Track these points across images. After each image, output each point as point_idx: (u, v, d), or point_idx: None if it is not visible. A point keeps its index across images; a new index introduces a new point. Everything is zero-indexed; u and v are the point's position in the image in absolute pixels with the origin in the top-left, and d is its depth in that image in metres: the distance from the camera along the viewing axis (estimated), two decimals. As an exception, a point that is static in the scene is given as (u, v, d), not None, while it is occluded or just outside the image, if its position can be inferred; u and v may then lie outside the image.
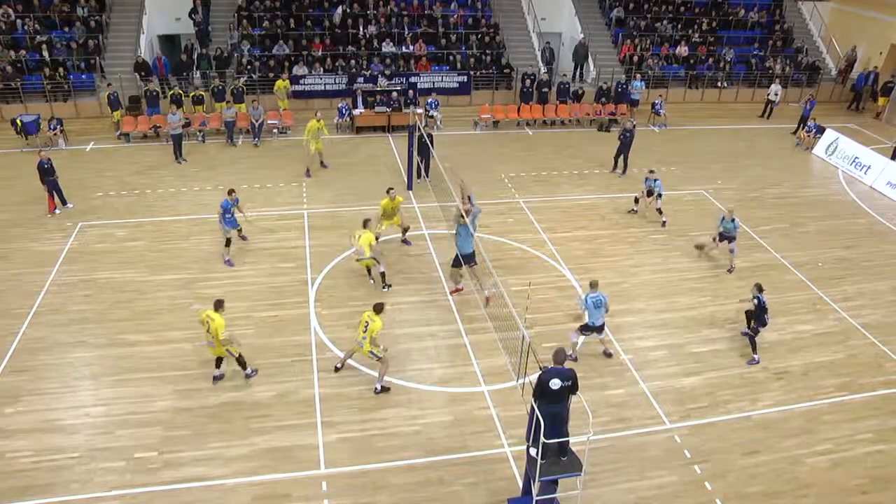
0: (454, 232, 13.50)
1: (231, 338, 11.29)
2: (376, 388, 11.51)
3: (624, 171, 20.74)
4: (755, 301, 12.49)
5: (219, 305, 11.17)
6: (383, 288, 13.46)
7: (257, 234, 16.11)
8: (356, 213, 17.39)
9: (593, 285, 12.15)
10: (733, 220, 15.08)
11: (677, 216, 17.98)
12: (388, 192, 15.41)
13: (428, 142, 17.46)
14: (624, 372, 12.23)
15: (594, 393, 11.62)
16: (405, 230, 15.66)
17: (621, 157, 20.57)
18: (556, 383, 9.00)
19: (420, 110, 23.44)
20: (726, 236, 15.22)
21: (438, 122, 24.05)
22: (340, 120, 23.05)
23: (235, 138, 22.13)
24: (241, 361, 11.42)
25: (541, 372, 9.19)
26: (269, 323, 13.06)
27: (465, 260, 13.40)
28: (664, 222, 17.11)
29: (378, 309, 11.22)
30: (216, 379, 11.34)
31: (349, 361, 11.92)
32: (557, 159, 21.82)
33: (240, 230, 15.74)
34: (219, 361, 11.41)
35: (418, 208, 17.70)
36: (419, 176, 18.88)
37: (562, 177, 20.00)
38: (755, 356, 12.46)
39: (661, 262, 15.74)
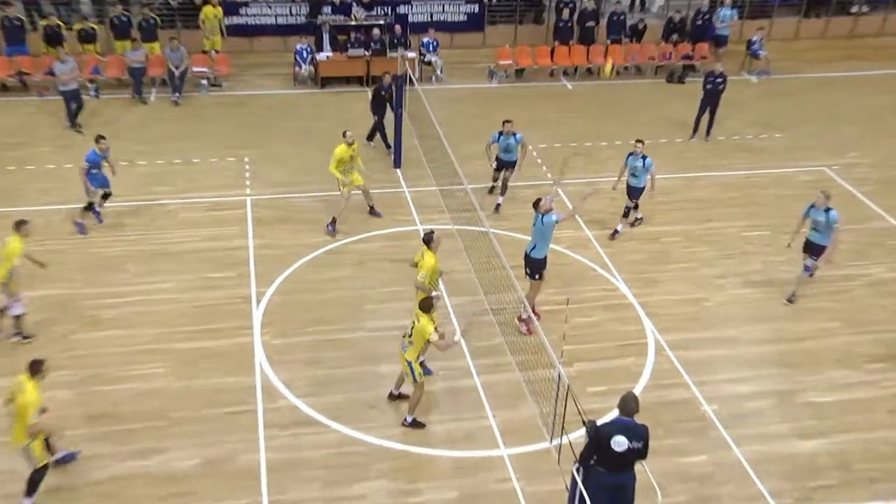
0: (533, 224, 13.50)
1: (44, 428, 10.09)
2: (405, 420, 11.74)
3: (708, 135, 20.74)
4: None
5: (35, 369, 9.99)
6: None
7: (176, 231, 16.09)
8: (322, 201, 17.37)
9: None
10: (828, 212, 14.00)
11: (785, 202, 17.92)
12: (343, 135, 15.71)
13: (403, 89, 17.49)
14: (707, 430, 12.09)
15: (664, 460, 11.45)
16: (367, 194, 16.39)
17: (705, 116, 20.56)
18: (621, 443, 8.93)
19: (412, 54, 23.46)
20: (815, 244, 14.23)
21: (439, 71, 24.04)
22: (299, 69, 23.10)
23: (145, 93, 22.17)
24: (37, 476, 10.20)
25: (596, 425, 9.09)
26: (193, 358, 12.99)
27: (534, 267, 13.50)
28: (637, 219, 16.65)
29: (426, 306, 11.17)
30: (61, 462, 10.85)
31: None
32: (607, 123, 21.80)
33: (107, 195, 16.05)
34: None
35: (410, 195, 17.64)
36: (371, 139, 19.48)
37: (613, 149, 19.96)
38: None
39: (761, 271, 15.65)
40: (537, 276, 13.61)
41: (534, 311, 13.22)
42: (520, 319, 13.78)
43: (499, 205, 17.12)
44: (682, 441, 11.85)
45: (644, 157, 15.89)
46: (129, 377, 12.47)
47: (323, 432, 11.76)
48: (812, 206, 14.19)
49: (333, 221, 16.04)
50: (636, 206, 16.41)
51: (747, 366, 13.34)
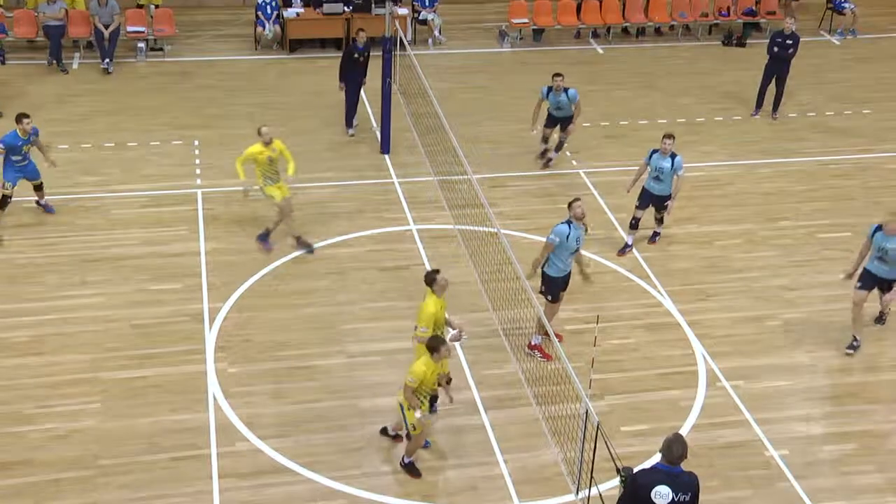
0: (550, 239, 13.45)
1: None
2: (402, 461, 11.91)
3: (775, 111, 20.93)
4: None
5: None
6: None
7: (108, 232, 16.28)
8: (292, 194, 17.52)
9: None
10: None
11: (874, 195, 18.16)
12: (258, 132, 15.62)
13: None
14: (774, 481, 12.17)
15: (718, 515, 11.66)
16: (288, 215, 15.92)
17: (772, 87, 20.79)
18: (664, 494, 9.04)
19: (404, 11, 23.66)
20: (879, 278, 13.98)
21: (437, 32, 24.23)
22: (262, 30, 23.28)
23: (66, 59, 22.34)
24: None
25: (633, 473, 9.22)
26: (130, 391, 13.09)
27: (554, 290, 13.62)
28: (655, 236, 16.58)
29: (431, 346, 11.23)
30: None
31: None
32: (647, 97, 22.01)
33: (38, 185, 16.10)
34: None
35: (401, 188, 17.86)
36: (350, 125, 19.68)
37: (655, 128, 20.09)
38: None
39: (842, 282, 15.63)
40: (549, 298, 13.72)
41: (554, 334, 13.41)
42: (529, 347, 13.92)
43: (550, 159, 18.57)
44: (742, 494, 11.93)
45: (674, 156, 15.76)
46: (49, 415, 12.57)
47: (292, 482, 11.83)
48: (879, 229, 13.81)
49: (268, 233, 15.96)
50: (661, 220, 16.42)
51: (824, 400, 13.44)
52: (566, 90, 17.67)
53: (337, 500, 11.61)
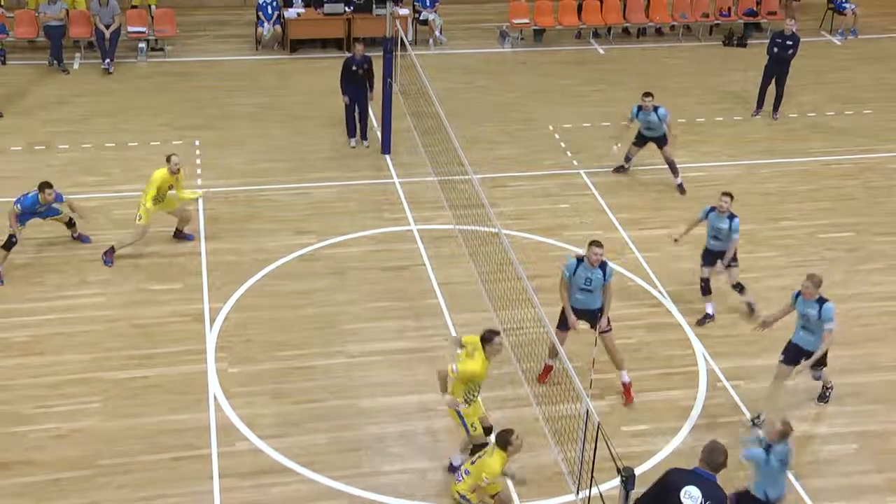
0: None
1: None
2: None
3: (776, 111, 20.92)
4: None
5: None
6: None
7: (108, 232, 16.28)
8: (292, 194, 17.60)
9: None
10: (822, 305, 12.29)
11: (875, 195, 18.17)
12: (168, 159, 15.38)
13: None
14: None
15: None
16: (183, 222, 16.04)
17: (772, 87, 20.80)
18: (693, 496, 9.00)
19: (405, 11, 23.66)
20: (805, 350, 12.55)
21: (437, 32, 24.25)
22: (262, 30, 23.30)
23: (67, 59, 22.38)
24: None
25: (634, 473, 9.17)
26: (130, 391, 13.11)
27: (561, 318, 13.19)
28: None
29: (503, 441, 10.57)
30: None
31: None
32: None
33: (68, 222, 15.77)
34: None
35: (402, 188, 17.86)
36: (364, 137, 19.34)
37: (658, 129, 20.14)
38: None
39: (844, 282, 15.86)
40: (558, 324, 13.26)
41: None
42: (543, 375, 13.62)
43: (680, 185, 18.12)
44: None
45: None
46: (49, 415, 12.59)
47: (293, 482, 11.84)
48: (798, 295, 12.49)
49: (112, 251, 15.52)
50: (741, 288, 14.88)
51: (832, 400, 13.39)
52: (656, 108, 17.42)
53: (337, 500, 11.61)
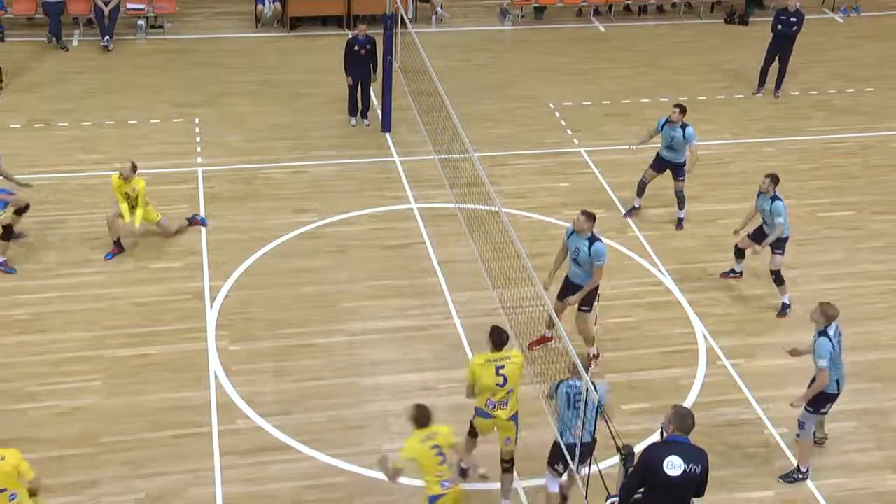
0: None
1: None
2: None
3: (778, 89, 20.87)
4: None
5: None
6: None
7: (109, 208, 16.18)
8: (293, 172, 17.62)
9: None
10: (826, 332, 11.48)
11: (877, 174, 18.16)
12: (122, 173, 14.84)
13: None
14: (773, 458, 12.24)
15: (720, 495, 11.55)
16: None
17: (775, 65, 20.75)
18: (676, 465, 9.03)
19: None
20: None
21: (438, 9, 24.18)
22: (262, 7, 23.23)
23: (66, 36, 22.32)
24: None
25: (633, 451, 9.25)
26: (131, 369, 13.16)
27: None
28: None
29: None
30: None
31: None
32: (649, 75, 21.99)
33: (20, 209, 15.04)
34: None
35: (402, 166, 17.88)
36: (364, 116, 19.18)
37: (657, 107, 20.12)
38: None
39: (844, 261, 15.91)
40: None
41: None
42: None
43: (680, 219, 16.51)
44: (743, 472, 12.01)
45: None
46: (50, 393, 12.66)
47: (293, 460, 11.92)
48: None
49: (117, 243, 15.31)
50: (779, 280, 14.59)
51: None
52: (684, 126, 15.77)
53: (337, 477, 11.69)
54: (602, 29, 24.39)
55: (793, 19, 20.20)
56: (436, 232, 16.08)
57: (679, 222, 16.50)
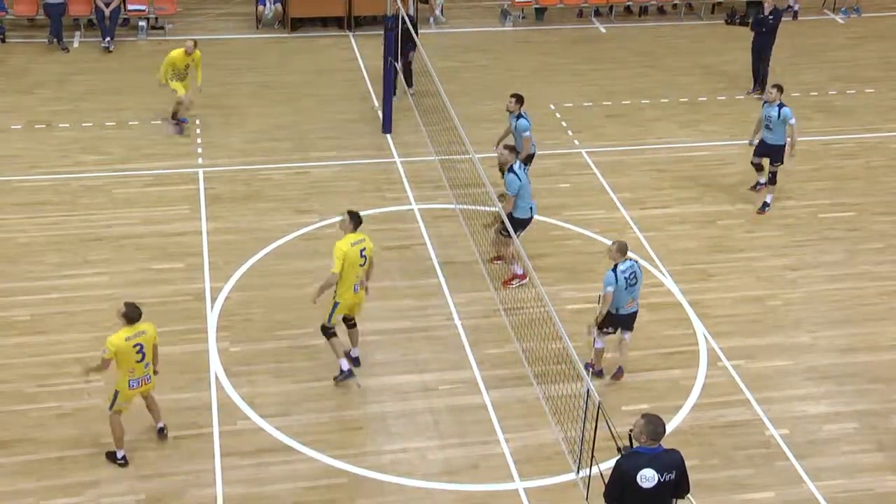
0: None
1: None
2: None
3: (761, 86, 20.69)
4: None
5: None
6: None
7: (109, 211, 16.32)
8: (294, 173, 17.62)
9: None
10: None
11: (877, 175, 18.16)
12: (188, 49, 18.12)
13: (411, 29, 17.57)
14: (774, 459, 12.23)
15: (720, 497, 11.61)
16: (179, 105, 18.44)
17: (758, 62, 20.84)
18: (649, 477, 9.04)
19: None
20: None
21: (438, 11, 24.20)
22: (263, 8, 23.24)
23: (67, 37, 22.32)
24: None
25: (620, 456, 9.26)
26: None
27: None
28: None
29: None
30: None
31: None
32: (650, 76, 21.99)
33: None
34: None
35: (403, 167, 17.86)
36: (394, 93, 19.18)
37: (658, 108, 20.14)
38: None
39: (845, 262, 15.88)
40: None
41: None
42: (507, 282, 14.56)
43: (766, 204, 16.76)
44: (743, 473, 11.99)
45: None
46: (51, 394, 12.64)
47: (294, 461, 11.90)
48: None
49: (174, 117, 18.25)
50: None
51: (825, 380, 13.45)
52: (780, 105, 15.91)
53: (337, 478, 11.66)
54: (603, 30, 24.41)
55: (770, 17, 20.32)
56: (436, 233, 16.07)
57: (763, 206, 16.83)
